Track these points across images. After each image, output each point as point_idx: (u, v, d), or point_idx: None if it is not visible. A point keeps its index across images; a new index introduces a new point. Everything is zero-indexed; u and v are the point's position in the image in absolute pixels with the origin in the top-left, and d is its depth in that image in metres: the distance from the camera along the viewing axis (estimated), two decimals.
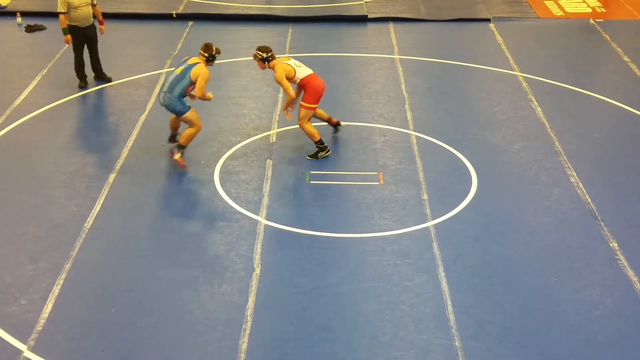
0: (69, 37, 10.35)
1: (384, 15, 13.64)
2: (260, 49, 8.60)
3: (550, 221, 7.77)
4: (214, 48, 8.43)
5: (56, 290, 6.69)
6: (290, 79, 8.54)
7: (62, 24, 10.27)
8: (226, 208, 7.91)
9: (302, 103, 8.65)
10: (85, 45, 10.55)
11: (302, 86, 8.70)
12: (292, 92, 8.56)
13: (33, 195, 8.10)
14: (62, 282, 6.79)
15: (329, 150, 8.81)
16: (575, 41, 12.85)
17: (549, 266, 7.09)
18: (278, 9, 13.86)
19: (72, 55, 10.69)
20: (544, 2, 14.59)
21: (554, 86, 10.98)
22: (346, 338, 6.21)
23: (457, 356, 6.03)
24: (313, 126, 8.78)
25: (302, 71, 8.61)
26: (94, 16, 10.51)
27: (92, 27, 10.48)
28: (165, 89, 8.32)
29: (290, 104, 8.77)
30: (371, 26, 13.33)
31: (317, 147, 8.78)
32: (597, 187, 8.37)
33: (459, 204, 8.02)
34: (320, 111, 9.01)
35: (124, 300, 6.59)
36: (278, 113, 9.95)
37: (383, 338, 6.21)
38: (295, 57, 11.75)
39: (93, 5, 10.41)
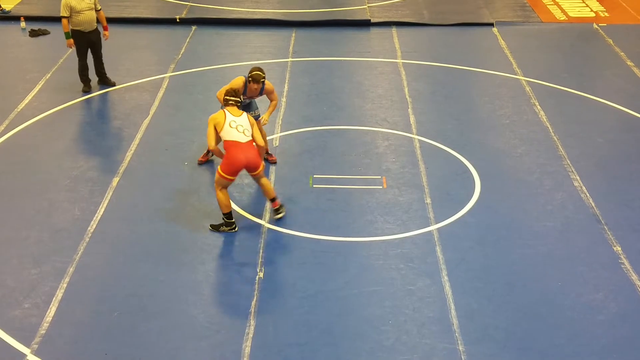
0: (71, 41, 10.38)
1: (387, 19, 13.65)
2: (227, 91, 7.54)
3: (554, 225, 7.76)
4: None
5: (59, 294, 6.69)
6: (217, 132, 7.40)
7: (65, 28, 10.31)
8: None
9: (218, 168, 7.43)
10: (90, 50, 10.58)
11: (224, 149, 7.48)
12: (210, 142, 7.38)
13: (36, 200, 8.11)
14: (65, 286, 6.80)
15: (235, 228, 7.56)
16: (579, 45, 12.84)
17: (553, 270, 7.08)
18: (281, 13, 13.88)
19: (76, 59, 10.71)
20: (547, 6, 14.59)
21: (557, 90, 10.98)
22: (349, 342, 6.21)
23: None
24: (227, 196, 7.46)
25: (232, 133, 7.30)
26: (98, 21, 10.54)
27: (96, 32, 10.51)
28: None
29: (216, 154, 7.69)
30: (374, 30, 13.34)
31: (223, 219, 7.54)
32: (601, 191, 8.36)
33: (462, 208, 8.01)
34: (266, 185, 7.64)
35: (127, 304, 6.59)
36: (281, 117, 9.96)
37: (386, 342, 6.20)
38: (294, 62, 11.77)
39: (97, 11, 10.44)
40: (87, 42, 10.46)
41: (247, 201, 8.08)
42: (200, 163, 8.76)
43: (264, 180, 7.62)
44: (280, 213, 7.74)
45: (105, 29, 10.67)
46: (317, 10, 14.06)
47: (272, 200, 7.72)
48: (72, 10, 10.18)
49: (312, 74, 11.49)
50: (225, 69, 11.48)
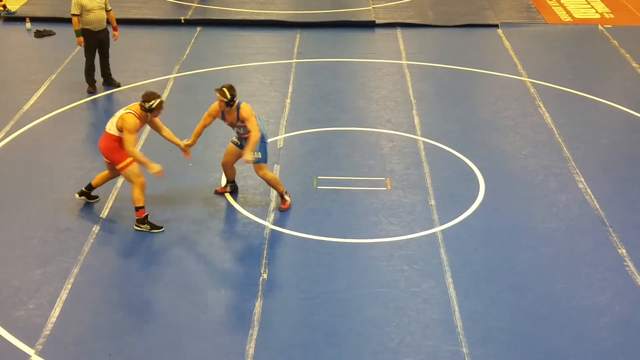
0: (81, 38, 10.41)
1: (391, 20, 13.65)
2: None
3: (559, 227, 7.74)
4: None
5: (64, 294, 6.71)
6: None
7: (75, 26, 10.35)
8: (233, 213, 7.91)
9: None
10: (97, 50, 10.61)
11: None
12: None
13: (41, 200, 8.12)
14: (69, 286, 6.81)
15: (86, 199, 7.85)
16: (584, 47, 12.82)
17: (557, 272, 7.07)
18: (286, 14, 13.89)
19: (81, 60, 10.74)
20: (552, 7, 14.57)
21: (562, 92, 10.96)
22: (353, 344, 6.20)
23: None
24: (101, 174, 7.85)
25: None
26: (108, 22, 10.58)
27: (105, 32, 10.55)
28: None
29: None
30: (379, 32, 13.34)
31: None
32: (606, 193, 8.34)
33: (467, 209, 8.00)
34: (133, 191, 7.50)
35: (131, 305, 6.60)
36: (285, 119, 9.97)
37: (390, 344, 6.19)
38: (299, 63, 11.78)
39: (107, 11, 10.48)
40: (96, 41, 10.49)
41: (251, 203, 8.09)
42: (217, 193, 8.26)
43: (132, 186, 7.45)
44: (136, 226, 7.50)
45: (115, 29, 10.71)
46: (321, 12, 14.06)
47: (136, 209, 7.49)
48: (82, 8, 10.22)
49: (317, 75, 11.50)
50: (230, 70, 11.49)
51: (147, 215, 7.51)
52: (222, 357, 6.05)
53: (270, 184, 7.89)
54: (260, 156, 7.65)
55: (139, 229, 7.52)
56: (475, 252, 7.34)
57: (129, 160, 7.39)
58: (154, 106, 7.33)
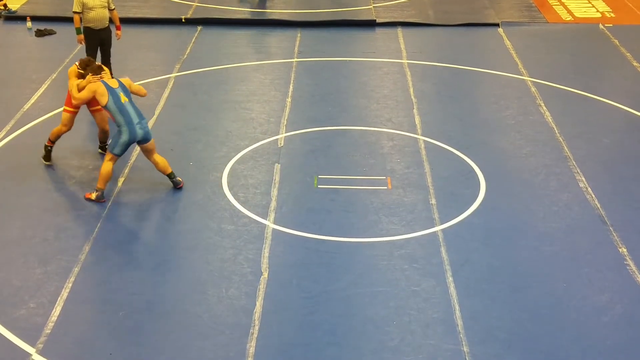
0: (81, 36, 10.39)
1: (392, 20, 13.65)
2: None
3: (559, 226, 7.74)
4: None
5: (65, 293, 6.71)
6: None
7: (76, 24, 10.33)
8: (234, 212, 7.92)
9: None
10: (99, 48, 10.60)
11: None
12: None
13: (42, 199, 8.13)
14: (70, 285, 6.81)
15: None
16: (585, 46, 12.82)
17: (558, 272, 7.07)
18: (287, 13, 13.89)
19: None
20: (553, 7, 14.57)
21: (563, 91, 10.96)
22: (353, 343, 6.21)
23: None
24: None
25: None
26: (111, 21, 10.56)
27: (107, 30, 10.52)
28: (138, 119, 7.95)
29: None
30: (379, 31, 13.34)
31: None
32: (607, 192, 8.34)
33: (467, 208, 8.00)
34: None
35: (131, 304, 6.60)
36: (286, 118, 9.97)
37: (390, 343, 6.19)
38: (299, 62, 11.79)
39: (110, 10, 10.46)
40: (97, 39, 10.46)
41: (252, 202, 8.09)
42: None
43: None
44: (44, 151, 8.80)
45: (118, 28, 10.68)
46: (322, 11, 14.07)
47: (49, 140, 8.78)
48: (84, 6, 10.20)
49: (317, 74, 11.50)
50: (230, 69, 11.49)
51: (50, 149, 8.79)
52: (223, 356, 6.05)
53: (99, 175, 8.01)
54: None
55: (43, 157, 8.79)
56: (475, 251, 7.34)
57: (66, 107, 8.69)
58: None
